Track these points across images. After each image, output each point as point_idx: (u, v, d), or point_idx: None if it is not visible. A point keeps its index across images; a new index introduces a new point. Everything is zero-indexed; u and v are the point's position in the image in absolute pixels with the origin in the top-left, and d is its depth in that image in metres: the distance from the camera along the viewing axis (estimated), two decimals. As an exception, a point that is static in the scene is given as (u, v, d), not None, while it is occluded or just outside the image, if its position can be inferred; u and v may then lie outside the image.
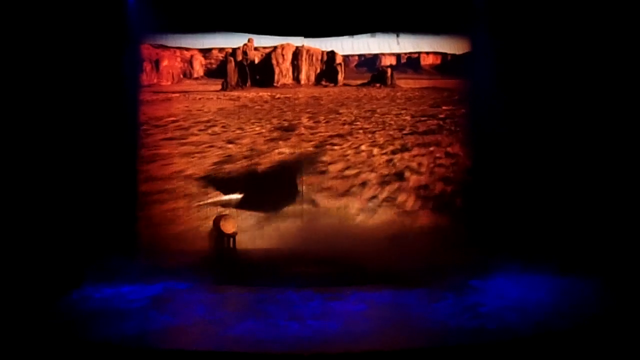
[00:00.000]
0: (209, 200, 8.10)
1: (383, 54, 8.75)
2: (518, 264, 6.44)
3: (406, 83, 8.83)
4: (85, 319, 5.34)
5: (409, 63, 8.92)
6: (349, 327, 5.14)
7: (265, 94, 8.75)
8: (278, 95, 8.72)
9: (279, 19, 7.83)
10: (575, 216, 6.87)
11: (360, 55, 8.82)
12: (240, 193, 8.15)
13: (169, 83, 8.63)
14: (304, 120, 8.53)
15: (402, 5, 7.66)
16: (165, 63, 8.58)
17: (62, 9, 6.74)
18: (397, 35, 8.41)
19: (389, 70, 8.83)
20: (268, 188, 8.19)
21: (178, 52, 8.64)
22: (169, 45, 8.53)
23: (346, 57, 8.76)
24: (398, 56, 8.85)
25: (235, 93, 8.73)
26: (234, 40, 8.57)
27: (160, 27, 7.92)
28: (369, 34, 8.42)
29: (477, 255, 6.98)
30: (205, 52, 8.67)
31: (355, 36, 8.44)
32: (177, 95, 8.54)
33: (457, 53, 8.43)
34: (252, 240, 7.88)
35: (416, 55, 8.85)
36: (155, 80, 8.56)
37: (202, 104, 8.58)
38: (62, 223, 6.64)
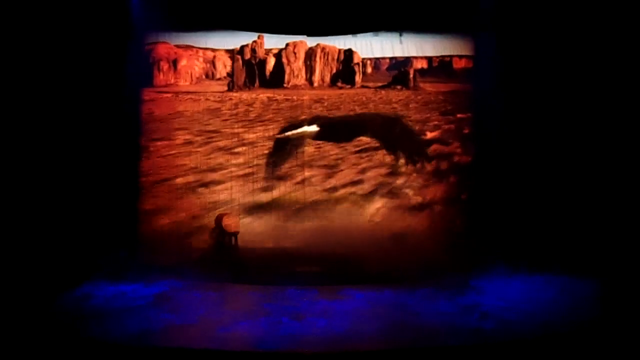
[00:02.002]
0: (288, 133, 7.87)
1: (415, 57, 8.33)
2: (518, 265, 6.47)
3: (433, 86, 8.37)
4: (86, 317, 5.35)
5: (441, 66, 8.40)
6: (350, 326, 5.16)
7: (264, 95, 8.37)
8: (276, 97, 8.35)
9: (280, 17, 7.65)
10: (575, 217, 6.87)
11: (391, 58, 8.38)
12: (317, 126, 7.86)
13: (187, 83, 8.33)
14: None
15: (406, 4, 7.63)
16: (183, 63, 8.32)
17: (61, 4, 6.73)
18: (400, 35, 8.31)
19: (411, 72, 8.37)
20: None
21: (201, 52, 8.35)
22: (192, 45, 8.25)
23: (377, 60, 8.35)
24: (430, 59, 8.40)
25: (234, 94, 8.35)
26: (234, 40, 8.24)
27: (163, 24, 7.81)
28: (371, 33, 8.33)
29: (478, 256, 6.98)
30: (231, 52, 8.39)
31: (358, 35, 8.34)
32: (170, 95, 8.26)
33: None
34: (254, 239, 7.88)
35: (448, 59, 8.37)
36: (172, 80, 8.27)
37: (183, 105, 8.21)
38: (64, 221, 6.65)
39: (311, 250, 7.33)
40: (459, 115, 8.17)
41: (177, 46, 8.23)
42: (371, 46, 8.33)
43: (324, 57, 8.41)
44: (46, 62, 6.66)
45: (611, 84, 6.84)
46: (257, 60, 8.36)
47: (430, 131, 8.16)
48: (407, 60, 8.41)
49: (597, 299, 5.67)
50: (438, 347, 4.77)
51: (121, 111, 7.25)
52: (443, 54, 8.35)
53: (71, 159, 6.84)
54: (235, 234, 7.63)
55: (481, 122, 7.81)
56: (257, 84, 8.42)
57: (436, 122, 8.24)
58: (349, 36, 8.29)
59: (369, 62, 8.48)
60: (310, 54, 8.38)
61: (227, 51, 8.33)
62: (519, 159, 7.24)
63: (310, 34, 8.24)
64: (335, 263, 7.01)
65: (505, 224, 7.18)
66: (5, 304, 5.34)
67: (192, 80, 8.36)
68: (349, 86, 8.43)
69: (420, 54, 8.37)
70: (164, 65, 8.21)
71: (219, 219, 7.70)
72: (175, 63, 8.28)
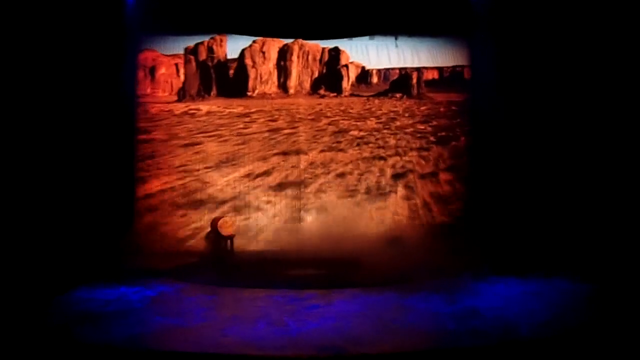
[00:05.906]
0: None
1: (425, 68, 7.58)
2: (513, 266, 6.48)
3: (444, 96, 7.66)
4: (82, 320, 5.32)
5: (453, 76, 7.67)
6: (348, 328, 5.15)
7: (215, 107, 7.02)
8: (226, 110, 7.09)
9: (273, 19, 7.25)
10: (572, 221, 6.90)
11: (401, 69, 7.56)
12: None
13: (166, 94, 7.19)
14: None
15: (401, 7, 7.65)
16: (162, 71, 7.23)
17: (54, 10, 6.70)
18: (396, 38, 8.30)
19: (414, 76, 7.45)
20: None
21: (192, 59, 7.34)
22: (166, 52, 7.26)
23: (387, 71, 7.49)
24: (440, 70, 7.66)
25: (183, 105, 7.14)
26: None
27: (156, 28, 7.54)
28: (367, 37, 8.33)
29: (477, 257, 7.00)
30: None
31: (353, 39, 8.34)
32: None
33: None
34: (250, 242, 7.88)
35: (460, 69, 7.69)
36: (148, 90, 7.19)
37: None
38: (58, 224, 6.64)
39: (307, 254, 7.34)
40: (464, 141, 7.84)
41: (162, 54, 7.29)
42: (388, 54, 7.69)
43: (302, 56, 7.18)
44: (36, 66, 6.64)
45: (609, 84, 6.86)
46: (215, 62, 7.03)
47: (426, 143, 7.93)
48: (417, 70, 7.59)
49: (591, 300, 5.69)
50: (436, 349, 4.78)
51: (114, 118, 7.18)
52: (438, 57, 8.21)
53: (66, 164, 6.83)
54: (231, 237, 7.63)
55: (478, 127, 7.85)
56: (213, 92, 7.19)
57: (432, 132, 8.02)
58: (345, 40, 8.32)
59: (375, 71, 7.59)
60: (285, 52, 7.10)
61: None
62: (514, 164, 7.27)
63: (306, 37, 8.20)
64: (331, 266, 7.02)
65: (501, 226, 7.21)
66: (1, 307, 5.32)
67: (172, 90, 7.19)
68: (334, 94, 7.38)
69: (432, 64, 7.81)
70: (140, 74, 7.17)
71: (214, 223, 7.70)
72: (152, 71, 7.20)
